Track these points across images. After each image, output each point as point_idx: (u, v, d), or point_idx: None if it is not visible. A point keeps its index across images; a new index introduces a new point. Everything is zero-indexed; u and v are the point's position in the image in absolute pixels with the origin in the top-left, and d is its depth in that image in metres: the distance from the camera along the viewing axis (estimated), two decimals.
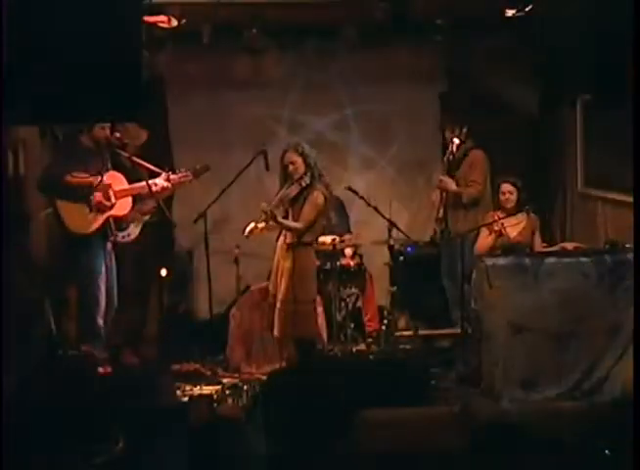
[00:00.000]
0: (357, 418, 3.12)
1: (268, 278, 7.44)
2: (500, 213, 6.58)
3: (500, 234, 6.42)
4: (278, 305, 6.08)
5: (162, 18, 6.17)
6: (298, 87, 8.04)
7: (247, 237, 6.23)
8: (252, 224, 6.16)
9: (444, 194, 7.06)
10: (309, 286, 6.12)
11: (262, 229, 6.16)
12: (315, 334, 6.33)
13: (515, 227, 6.56)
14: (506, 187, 6.59)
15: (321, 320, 6.70)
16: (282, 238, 6.18)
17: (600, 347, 5.73)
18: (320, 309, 6.69)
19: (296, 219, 6.10)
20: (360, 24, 6.99)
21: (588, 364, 5.72)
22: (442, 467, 3.29)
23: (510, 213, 6.55)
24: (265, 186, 7.33)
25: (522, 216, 6.60)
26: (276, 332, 6.12)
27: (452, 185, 7.01)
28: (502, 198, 6.60)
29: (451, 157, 7.01)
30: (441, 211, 7.12)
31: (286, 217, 6.16)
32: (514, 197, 6.57)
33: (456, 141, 6.99)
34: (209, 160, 7.19)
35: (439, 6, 6.69)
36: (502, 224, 6.42)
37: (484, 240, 6.53)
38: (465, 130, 7.08)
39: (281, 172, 6.16)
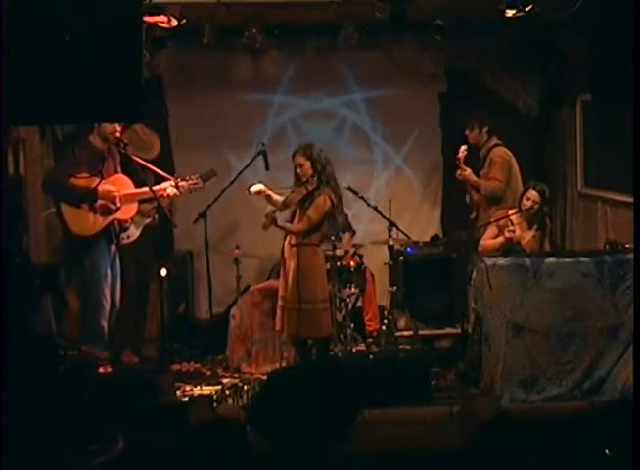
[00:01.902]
0: (357, 418, 3.11)
1: (268, 278, 7.47)
2: (512, 211, 6.39)
3: (510, 240, 6.27)
4: (285, 305, 6.09)
5: (162, 18, 6.17)
6: (299, 87, 8.03)
7: (251, 194, 6.13)
8: (262, 186, 6.12)
9: (475, 197, 7.04)
10: (317, 286, 6.10)
11: (268, 196, 6.10)
12: (329, 334, 6.29)
13: (525, 234, 6.37)
14: (532, 194, 6.29)
15: None
16: (287, 239, 6.18)
17: (600, 347, 5.73)
18: None
19: (300, 221, 6.10)
20: (360, 24, 6.98)
21: (588, 364, 5.73)
22: (442, 467, 3.29)
23: (527, 219, 6.36)
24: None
25: (535, 231, 6.42)
26: (284, 332, 6.14)
27: (472, 176, 6.99)
28: (525, 202, 6.29)
29: (461, 158, 6.94)
30: (474, 213, 7.12)
31: (292, 218, 6.15)
32: (537, 206, 6.28)
33: (463, 148, 6.94)
34: (209, 159, 7.21)
35: (439, 6, 6.69)
36: (513, 232, 6.25)
37: (491, 240, 6.39)
38: (486, 130, 7.07)
39: (294, 172, 6.14)
